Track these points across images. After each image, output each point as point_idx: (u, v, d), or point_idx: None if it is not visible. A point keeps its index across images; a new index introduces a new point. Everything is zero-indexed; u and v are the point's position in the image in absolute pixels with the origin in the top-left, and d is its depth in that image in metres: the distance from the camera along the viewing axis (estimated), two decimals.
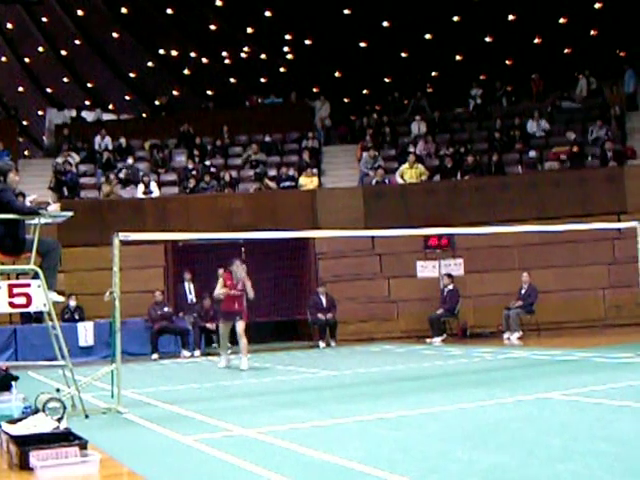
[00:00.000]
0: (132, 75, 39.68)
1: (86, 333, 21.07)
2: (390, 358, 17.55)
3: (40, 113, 40.85)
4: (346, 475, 6.18)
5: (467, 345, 19.63)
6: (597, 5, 28.72)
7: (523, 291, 21.27)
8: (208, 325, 21.17)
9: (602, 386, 10.41)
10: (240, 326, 16.65)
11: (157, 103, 36.00)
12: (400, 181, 25.41)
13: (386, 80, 36.01)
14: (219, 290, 16.89)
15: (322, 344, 21.86)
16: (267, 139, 29.54)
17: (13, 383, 10.34)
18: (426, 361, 16.05)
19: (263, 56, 36.03)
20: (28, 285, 9.85)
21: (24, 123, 39.50)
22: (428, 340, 21.15)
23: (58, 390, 9.79)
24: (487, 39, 31.91)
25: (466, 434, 7.55)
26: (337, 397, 11.12)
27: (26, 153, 38.30)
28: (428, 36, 32.25)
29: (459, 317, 22.33)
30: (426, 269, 23.14)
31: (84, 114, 35.23)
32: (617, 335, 20.11)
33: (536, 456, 6.40)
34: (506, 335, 20.63)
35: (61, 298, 10.74)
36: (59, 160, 26.78)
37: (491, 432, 7.59)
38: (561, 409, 8.85)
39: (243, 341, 16.66)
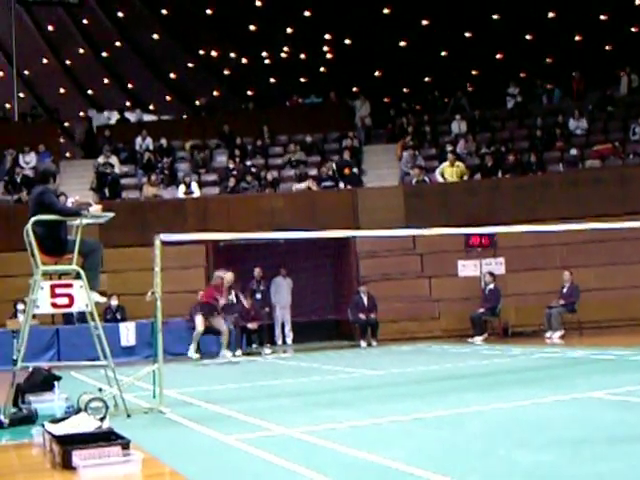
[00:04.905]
0: (172, 76, 39.85)
1: (128, 333, 21.21)
2: (431, 357, 17.50)
3: (81, 114, 41.16)
4: (388, 475, 6.15)
5: (509, 344, 19.53)
6: (638, 1, 28.46)
7: (565, 290, 21.16)
8: (249, 325, 21.23)
9: None
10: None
11: (197, 103, 36.12)
12: (440, 179, 25.34)
13: (426, 79, 35.93)
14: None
15: (363, 344, 21.86)
16: (307, 139, 29.55)
17: (56, 383, 10.42)
18: (467, 360, 15.97)
19: (303, 56, 36.07)
20: (70, 285, 9.88)
21: (65, 124, 39.80)
22: (470, 339, 21.09)
23: (100, 390, 9.85)
24: (527, 37, 31.73)
25: (508, 433, 7.50)
26: (377, 397, 11.08)
27: (67, 154, 38.55)
28: (468, 34, 32.13)
29: (500, 316, 22.22)
30: (467, 268, 23.06)
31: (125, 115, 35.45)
32: None
33: (579, 455, 6.32)
34: (548, 334, 20.53)
35: (103, 298, 10.77)
36: (100, 161, 26.95)
37: (533, 431, 7.52)
38: (604, 408, 8.77)
39: None
